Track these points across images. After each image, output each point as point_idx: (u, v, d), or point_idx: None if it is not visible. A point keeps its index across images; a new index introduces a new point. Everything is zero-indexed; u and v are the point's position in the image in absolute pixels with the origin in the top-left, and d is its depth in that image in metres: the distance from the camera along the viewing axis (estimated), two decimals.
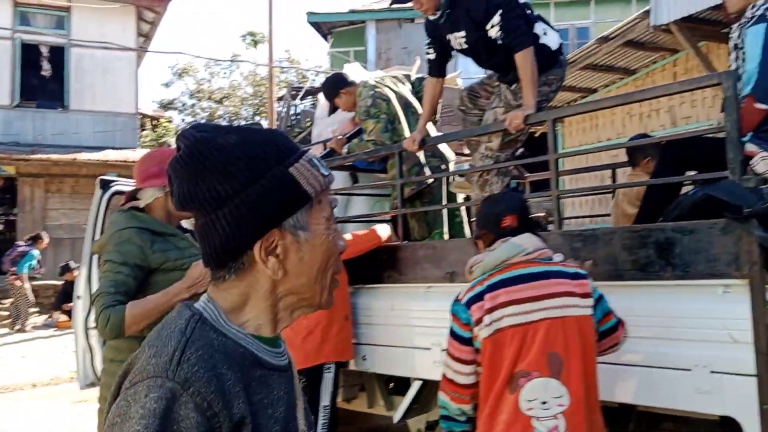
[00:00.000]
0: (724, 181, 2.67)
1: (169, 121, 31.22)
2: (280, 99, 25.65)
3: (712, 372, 2.61)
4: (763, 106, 2.64)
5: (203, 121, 34.18)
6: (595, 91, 9.99)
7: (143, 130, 23.62)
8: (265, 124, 23.99)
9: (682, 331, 2.71)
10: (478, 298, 2.39)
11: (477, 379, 2.41)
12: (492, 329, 2.34)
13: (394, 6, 4.24)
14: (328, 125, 5.28)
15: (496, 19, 3.52)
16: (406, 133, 4.44)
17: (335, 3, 32.88)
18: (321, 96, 5.59)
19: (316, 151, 4.80)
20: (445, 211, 4.66)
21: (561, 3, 19.08)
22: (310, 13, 21.43)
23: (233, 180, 1.02)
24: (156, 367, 0.94)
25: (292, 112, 26.62)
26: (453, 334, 2.45)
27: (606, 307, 2.46)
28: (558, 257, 2.54)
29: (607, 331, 2.47)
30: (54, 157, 15.26)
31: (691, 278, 2.73)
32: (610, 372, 2.76)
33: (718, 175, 2.70)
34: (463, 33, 3.72)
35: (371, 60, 20.91)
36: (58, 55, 16.15)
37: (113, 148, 16.26)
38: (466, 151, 4.75)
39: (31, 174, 15.73)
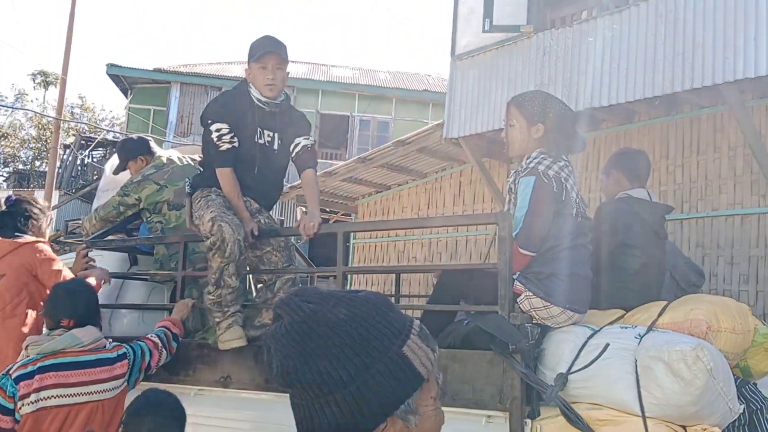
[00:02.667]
0: (493, 315, 2.82)
1: None
2: (67, 147, 23.96)
3: None
4: (525, 252, 2.87)
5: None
6: (389, 187, 10.44)
7: None
8: (46, 170, 22.14)
9: None
10: (29, 376, 2.71)
11: None
12: (36, 406, 2.68)
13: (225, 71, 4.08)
14: (107, 189, 4.98)
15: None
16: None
17: (140, 58, 31.71)
18: (107, 167, 5.26)
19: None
20: None
21: (364, 96, 20.09)
22: (110, 65, 20.52)
23: (348, 364, 0.94)
24: None
25: (78, 162, 24.95)
26: None
27: (139, 360, 3.07)
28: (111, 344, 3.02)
29: (147, 368, 3.14)
30: None
31: (458, 406, 2.82)
32: None
33: (489, 309, 2.86)
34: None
35: (172, 122, 20.36)
36: None
37: None
38: None
39: None
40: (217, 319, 3.42)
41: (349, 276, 10.31)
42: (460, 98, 7.86)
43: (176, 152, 4.97)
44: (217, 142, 3.47)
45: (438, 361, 1.06)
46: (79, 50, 67.57)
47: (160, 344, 3.27)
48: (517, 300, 2.88)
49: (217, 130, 3.47)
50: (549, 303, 2.84)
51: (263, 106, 3.56)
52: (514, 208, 2.97)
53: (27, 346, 2.89)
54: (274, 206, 4.13)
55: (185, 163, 4.63)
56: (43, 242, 3.68)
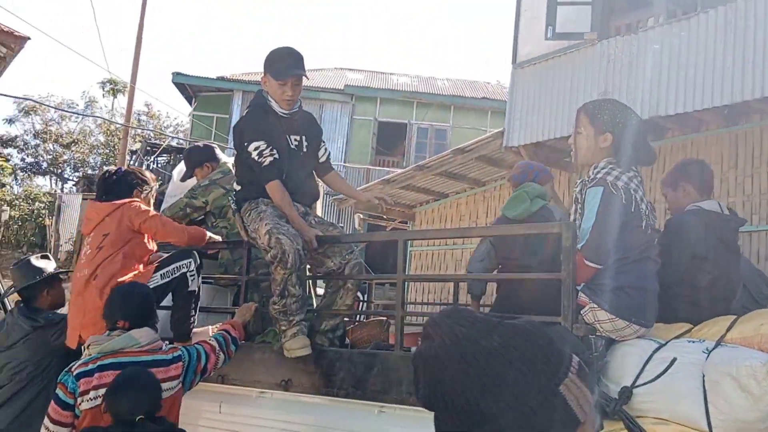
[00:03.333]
0: (557, 327, 2.79)
1: (6, 160, 29.03)
2: (134, 153, 24.67)
3: None
4: (591, 265, 2.83)
5: (46, 166, 32.13)
6: (446, 195, 10.43)
7: None
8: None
9: None
10: (89, 373, 2.85)
11: None
12: (95, 403, 2.80)
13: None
14: (174, 195, 5.14)
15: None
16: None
17: (204, 66, 32.48)
18: (175, 173, 5.41)
19: None
20: None
21: (423, 104, 20.09)
22: (176, 74, 21.06)
23: (499, 398, 0.89)
24: None
25: (143, 167, 25.73)
26: (56, 400, 2.86)
27: (194, 363, 3.14)
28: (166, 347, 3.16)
29: (204, 371, 3.21)
30: None
31: None
32: None
33: (551, 320, 2.83)
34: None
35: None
36: None
37: None
38: None
39: None
40: (284, 327, 3.48)
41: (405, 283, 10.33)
42: (520, 106, 7.81)
43: None
44: (259, 159, 3.55)
45: (596, 404, 0.99)
46: (146, 59, 69.64)
47: (218, 348, 3.34)
48: (581, 312, 2.85)
49: (256, 148, 3.56)
50: (614, 316, 2.79)
51: (284, 115, 3.67)
52: (580, 219, 2.93)
53: (88, 345, 3.04)
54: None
55: None
56: (138, 200, 3.81)
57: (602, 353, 2.79)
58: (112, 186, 3.82)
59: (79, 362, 2.96)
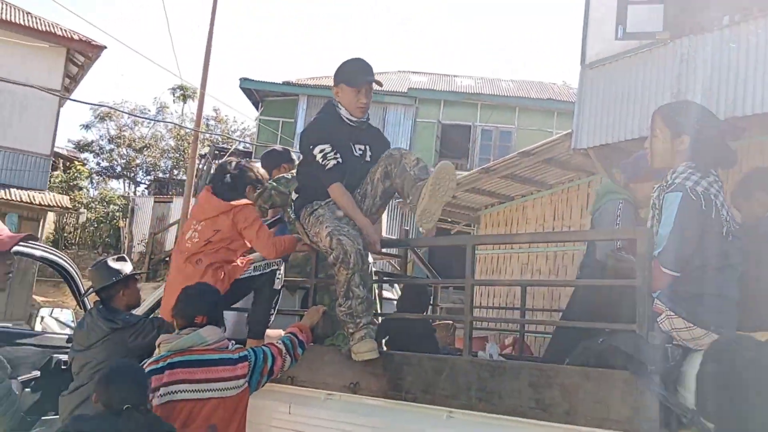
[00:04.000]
0: (630, 334, 2.73)
1: (83, 164, 30.18)
2: (202, 156, 25.31)
3: None
4: (668, 272, 2.75)
5: (120, 170, 33.30)
6: (512, 198, 10.32)
7: (54, 170, 22.71)
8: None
9: None
10: (160, 371, 2.98)
11: None
12: (165, 399, 2.93)
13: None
14: None
15: None
16: None
17: (270, 71, 33.05)
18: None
19: None
20: None
21: (487, 105, 19.92)
22: (243, 79, 21.52)
23: None
24: None
25: (212, 170, 26.35)
26: None
27: (261, 364, 3.23)
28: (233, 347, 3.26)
29: (270, 373, 3.29)
30: None
31: (592, 426, 2.75)
32: None
33: (626, 327, 2.77)
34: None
35: (299, 133, 21.05)
36: None
37: (19, 188, 15.51)
38: None
39: None
40: (351, 330, 3.53)
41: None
42: (589, 107, 7.66)
43: None
44: (323, 162, 3.64)
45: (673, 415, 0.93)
46: (215, 64, 71.42)
47: (284, 351, 3.42)
48: (657, 320, 2.77)
49: (321, 151, 3.65)
50: (692, 324, 2.71)
51: (352, 124, 3.77)
52: (657, 225, 2.86)
53: (159, 344, 3.18)
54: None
55: None
56: (250, 203, 3.98)
57: (679, 363, 2.72)
58: (230, 182, 3.98)
59: (150, 360, 3.10)
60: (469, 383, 3.15)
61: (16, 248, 4.62)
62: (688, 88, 6.64)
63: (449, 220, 11.36)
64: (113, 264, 4.19)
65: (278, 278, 3.97)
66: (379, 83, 3.80)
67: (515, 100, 20.32)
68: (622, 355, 2.71)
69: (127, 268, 4.23)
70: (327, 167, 3.64)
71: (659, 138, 2.99)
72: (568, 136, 7.98)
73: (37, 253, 4.96)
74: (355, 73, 3.73)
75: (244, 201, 3.92)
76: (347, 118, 3.76)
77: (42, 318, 5.65)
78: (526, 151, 8.56)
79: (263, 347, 3.40)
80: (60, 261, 5.10)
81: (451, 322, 5.68)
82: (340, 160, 3.66)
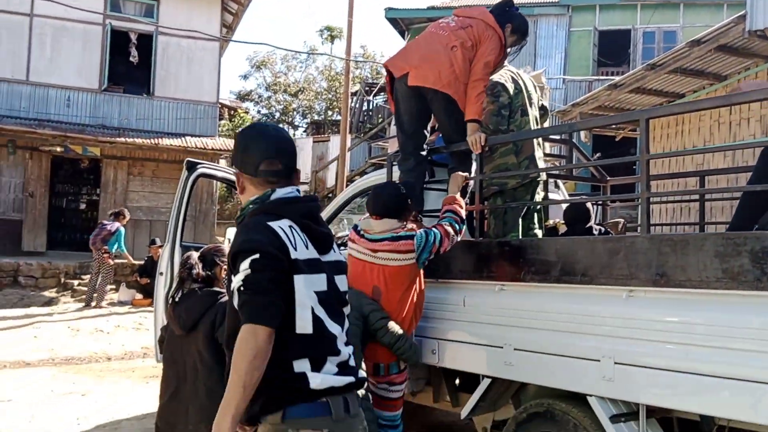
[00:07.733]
0: None
1: (246, 112, 31.87)
2: (354, 94, 25.81)
3: None
4: None
5: (278, 116, 34.83)
6: (682, 95, 9.65)
7: (221, 119, 24.17)
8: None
9: None
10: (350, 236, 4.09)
11: None
12: (347, 252, 3.95)
13: None
14: None
15: None
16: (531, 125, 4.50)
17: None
18: None
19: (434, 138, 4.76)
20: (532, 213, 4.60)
21: (648, 5, 18.49)
22: (388, 9, 21.47)
23: None
24: None
25: (365, 107, 26.83)
26: None
27: (430, 245, 3.81)
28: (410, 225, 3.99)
29: (437, 252, 3.85)
30: (138, 141, 15.81)
31: None
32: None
33: None
34: None
35: None
36: (145, 42, 16.68)
37: (193, 135, 16.72)
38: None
39: (115, 156, 16.34)
40: None
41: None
42: None
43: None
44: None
45: None
46: (359, 2, 71.68)
47: (452, 233, 3.87)
48: None
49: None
50: None
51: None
52: None
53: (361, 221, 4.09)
54: None
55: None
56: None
57: None
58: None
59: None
60: (648, 261, 3.04)
61: (201, 170, 5.05)
62: None
63: (614, 126, 10.84)
64: None
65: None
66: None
67: None
68: None
69: None
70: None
71: None
72: (743, 17, 7.26)
73: (219, 174, 5.37)
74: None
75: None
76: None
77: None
78: (696, 39, 7.92)
79: (434, 230, 3.84)
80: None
81: (621, 219, 5.50)
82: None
